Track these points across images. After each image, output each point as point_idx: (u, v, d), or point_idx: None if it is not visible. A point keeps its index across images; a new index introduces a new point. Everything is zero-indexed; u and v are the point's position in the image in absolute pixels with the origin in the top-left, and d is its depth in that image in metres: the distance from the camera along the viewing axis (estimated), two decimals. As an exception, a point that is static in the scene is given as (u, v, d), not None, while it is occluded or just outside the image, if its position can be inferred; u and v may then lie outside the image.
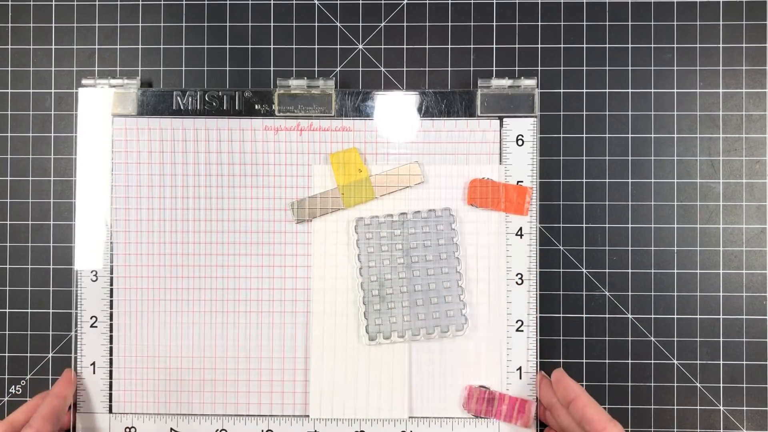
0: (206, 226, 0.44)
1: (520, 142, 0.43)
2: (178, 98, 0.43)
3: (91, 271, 0.44)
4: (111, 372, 0.44)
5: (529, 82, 0.43)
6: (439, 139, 0.44)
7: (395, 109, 0.44)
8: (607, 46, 0.45)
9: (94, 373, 0.43)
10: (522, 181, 0.43)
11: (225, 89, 0.44)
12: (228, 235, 0.44)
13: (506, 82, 0.43)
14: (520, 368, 0.43)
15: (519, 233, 0.43)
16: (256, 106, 0.43)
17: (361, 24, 0.45)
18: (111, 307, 0.44)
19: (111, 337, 0.44)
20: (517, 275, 0.43)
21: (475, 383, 0.43)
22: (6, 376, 0.45)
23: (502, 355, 0.43)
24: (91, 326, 0.43)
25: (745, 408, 0.44)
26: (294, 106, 0.44)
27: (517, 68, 0.45)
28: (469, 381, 0.43)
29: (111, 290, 0.44)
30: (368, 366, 0.43)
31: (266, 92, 0.44)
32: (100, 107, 0.44)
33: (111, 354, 0.44)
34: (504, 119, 0.43)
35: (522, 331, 0.43)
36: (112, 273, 0.44)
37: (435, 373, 0.43)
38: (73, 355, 0.44)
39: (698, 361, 0.44)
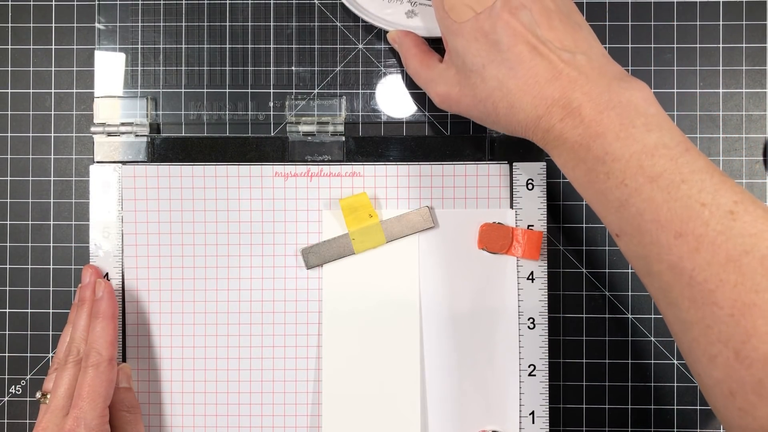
0: (215, 273, 0.44)
1: (530, 187, 0.43)
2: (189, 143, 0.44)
3: None
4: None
5: None
6: (450, 183, 0.44)
7: (405, 153, 0.44)
8: (607, 46, 0.45)
9: None
10: (533, 225, 0.43)
11: (235, 134, 0.44)
12: (237, 282, 0.44)
13: None
14: (533, 413, 0.43)
15: (530, 277, 0.43)
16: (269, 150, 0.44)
17: (360, 24, 0.45)
18: (124, 350, 0.44)
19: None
20: (528, 319, 0.43)
21: (488, 428, 0.43)
22: (6, 376, 0.45)
23: (514, 400, 0.43)
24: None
25: (745, 408, 0.44)
26: (304, 152, 0.44)
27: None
28: (482, 425, 0.43)
29: (123, 335, 0.44)
30: (381, 414, 0.43)
31: (279, 138, 0.44)
32: (110, 155, 0.44)
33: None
34: (514, 164, 0.44)
35: (534, 375, 0.43)
36: (124, 321, 0.44)
37: (446, 418, 0.43)
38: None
39: (698, 361, 0.44)
